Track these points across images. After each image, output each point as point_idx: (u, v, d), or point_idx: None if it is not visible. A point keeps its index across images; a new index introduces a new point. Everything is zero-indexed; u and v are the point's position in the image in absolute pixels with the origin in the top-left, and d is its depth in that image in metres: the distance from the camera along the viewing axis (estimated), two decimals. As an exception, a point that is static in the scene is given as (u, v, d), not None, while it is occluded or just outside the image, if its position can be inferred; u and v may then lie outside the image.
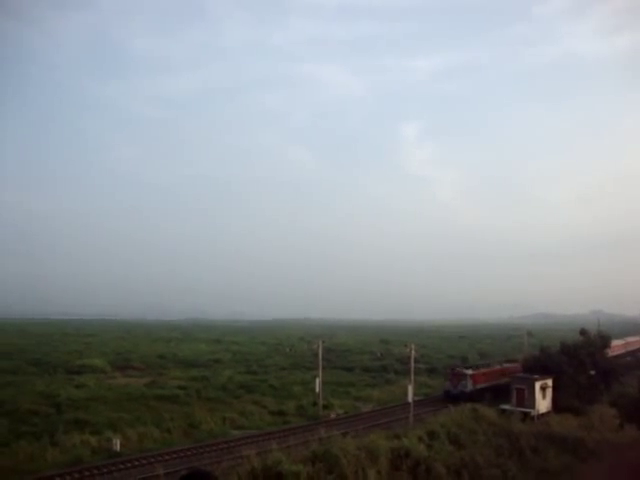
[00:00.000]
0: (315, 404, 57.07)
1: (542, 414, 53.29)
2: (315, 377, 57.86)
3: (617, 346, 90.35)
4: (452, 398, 58.40)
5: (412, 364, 53.74)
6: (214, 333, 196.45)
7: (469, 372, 62.85)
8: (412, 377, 52.76)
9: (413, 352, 54.17)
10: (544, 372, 56.76)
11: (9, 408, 51.04)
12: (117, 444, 40.36)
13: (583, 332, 68.66)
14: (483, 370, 65.86)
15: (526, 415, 51.37)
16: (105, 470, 35.35)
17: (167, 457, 38.75)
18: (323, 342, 63.16)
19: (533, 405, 53.20)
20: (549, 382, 55.56)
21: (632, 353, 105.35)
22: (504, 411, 51.50)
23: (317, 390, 56.84)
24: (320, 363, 58.06)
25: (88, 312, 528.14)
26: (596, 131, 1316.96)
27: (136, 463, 37.10)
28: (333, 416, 54.15)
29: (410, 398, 51.40)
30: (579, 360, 60.28)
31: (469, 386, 60.97)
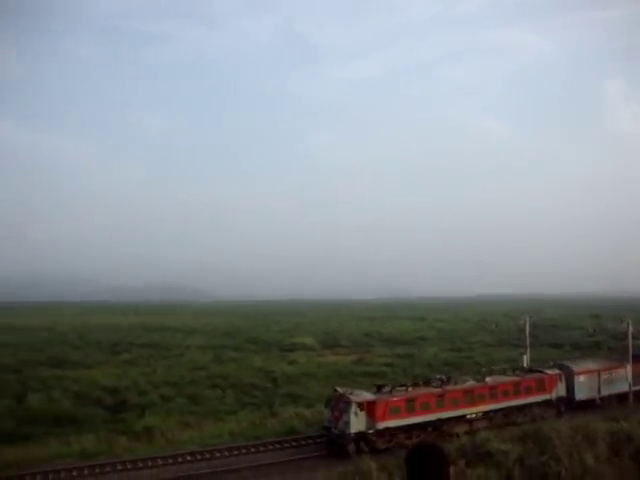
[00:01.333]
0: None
1: None
2: (522, 354, 55.80)
3: None
4: (332, 441, 35.34)
5: (630, 340, 49.20)
6: (418, 311, 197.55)
7: (360, 398, 35.49)
8: (630, 356, 48.52)
9: (630, 327, 49.68)
10: None
11: (233, 381, 56.54)
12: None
13: None
14: (399, 395, 36.59)
15: None
16: (319, 440, 37.31)
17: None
18: (530, 317, 60.54)
19: None
20: None
21: None
22: None
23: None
24: (527, 339, 55.86)
25: (296, 293, 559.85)
26: None
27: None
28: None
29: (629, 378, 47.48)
30: None
31: (356, 424, 34.31)
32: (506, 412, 40.23)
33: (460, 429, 37.29)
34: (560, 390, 43.80)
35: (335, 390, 37.36)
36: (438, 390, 38.24)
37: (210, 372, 61.98)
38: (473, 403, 38.85)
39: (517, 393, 41.31)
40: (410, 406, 36.18)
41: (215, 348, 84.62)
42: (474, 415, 38.81)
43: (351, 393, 35.94)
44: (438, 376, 41.86)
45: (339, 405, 35.26)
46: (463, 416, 38.26)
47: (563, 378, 44.39)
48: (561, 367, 46.25)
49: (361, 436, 34.42)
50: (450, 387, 38.86)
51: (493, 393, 40.14)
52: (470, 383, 40.19)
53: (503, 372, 45.19)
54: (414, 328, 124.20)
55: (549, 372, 44.36)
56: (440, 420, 37.03)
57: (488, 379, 41.27)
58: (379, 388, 37.48)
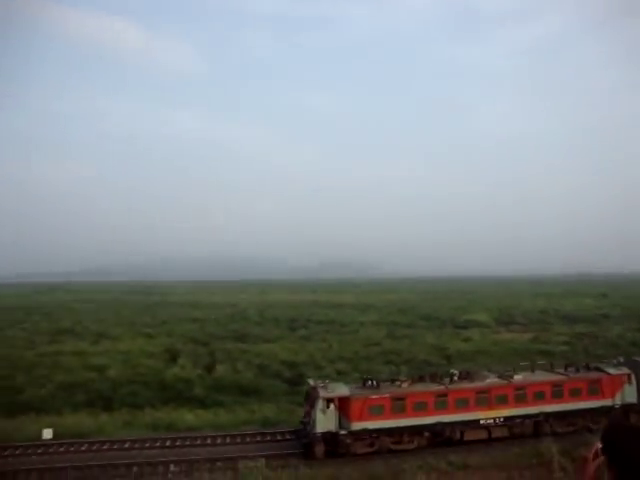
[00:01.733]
0: None
1: None
2: None
3: None
4: (301, 438, 31.46)
5: None
6: (600, 287, 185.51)
7: (331, 393, 30.72)
8: None
9: None
10: None
11: (407, 357, 57.13)
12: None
13: None
14: (384, 392, 31.19)
15: None
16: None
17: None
18: None
19: None
20: None
21: None
22: None
23: None
24: None
25: (471, 270, 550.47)
26: None
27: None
28: None
29: None
30: None
31: (324, 423, 29.97)
32: (540, 420, 32.67)
33: (472, 436, 31.80)
34: (628, 394, 34.43)
35: (307, 382, 33.56)
36: (440, 388, 32.10)
37: (384, 348, 62.88)
38: (490, 406, 32.20)
39: (557, 396, 33.36)
40: (398, 406, 30.84)
41: (389, 324, 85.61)
42: (492, 421, 32.24)
43: (323, 386, 31.17)
44: (451, 371, 34.92)
45: (311, 400, 31.01)
46: (476, 421, 32.01)
47: (633, 379, 34.62)
48: (633, 365, 35.58)
49: (330, 437, 30.09)
50: (458, 385, 32.41)
51: (520, 395, 32.85)
52: (490, 381, 33.19)
53: (550, 368, 36.56)
54: (595, 305, 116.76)
55: (612, 371, 34.91)
56: (441, 424, 31.34)
57: (517, 377, 33.74)
58: (365, 382, 32.32)
